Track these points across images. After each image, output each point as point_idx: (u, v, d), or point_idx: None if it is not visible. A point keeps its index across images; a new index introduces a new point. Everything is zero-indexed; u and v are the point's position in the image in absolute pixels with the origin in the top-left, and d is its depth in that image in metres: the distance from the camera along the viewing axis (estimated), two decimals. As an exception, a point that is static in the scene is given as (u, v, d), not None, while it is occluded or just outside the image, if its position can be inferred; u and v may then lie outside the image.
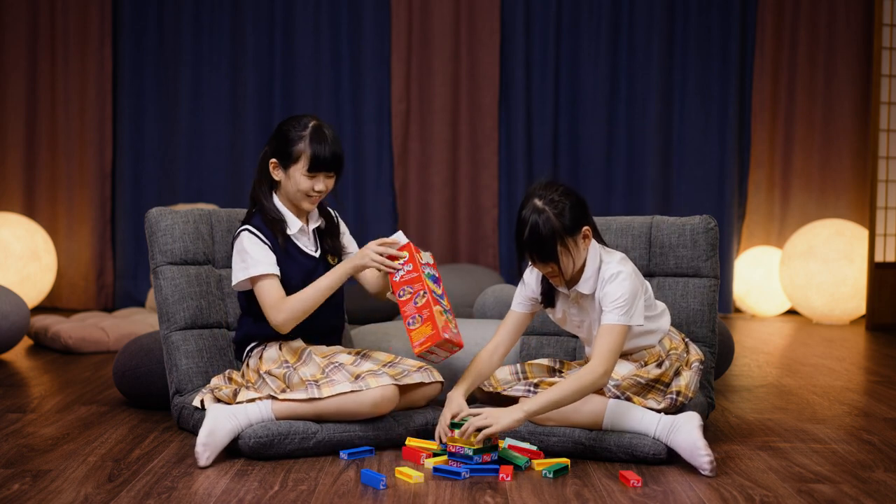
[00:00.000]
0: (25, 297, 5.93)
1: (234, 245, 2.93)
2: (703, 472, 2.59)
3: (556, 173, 6.57)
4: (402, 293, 2.78)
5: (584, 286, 2.77)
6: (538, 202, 2.67)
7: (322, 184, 2.92)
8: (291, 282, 2.91)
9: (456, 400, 2.80)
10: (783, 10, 6.55)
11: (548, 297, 2.87)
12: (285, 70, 6.51)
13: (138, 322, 4.92)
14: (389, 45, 6.53)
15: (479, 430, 2.60)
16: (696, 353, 2.93)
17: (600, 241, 2.82)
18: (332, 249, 3.04)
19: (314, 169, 2.89)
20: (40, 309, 6.29)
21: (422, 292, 2.76)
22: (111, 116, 6.46)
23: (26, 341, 5.01)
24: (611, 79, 6.56)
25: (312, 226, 3.01)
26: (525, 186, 6.47)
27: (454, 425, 2.65)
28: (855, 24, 6.51)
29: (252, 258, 2.87)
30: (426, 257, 2.89)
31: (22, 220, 6.13)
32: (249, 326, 2.97)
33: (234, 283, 2.91)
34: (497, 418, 2.61)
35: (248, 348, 2.98)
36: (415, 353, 2.77)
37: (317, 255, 2.99)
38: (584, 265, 2.75)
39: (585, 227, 2.71)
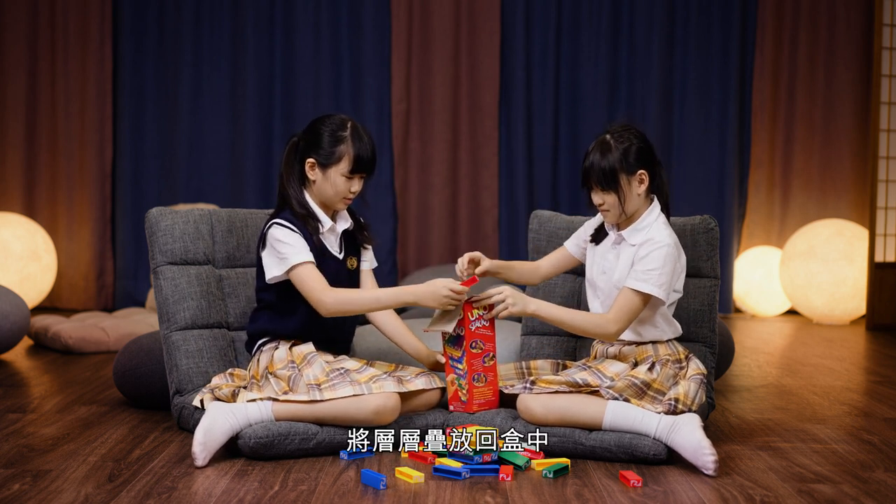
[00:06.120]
0: (25, 297, 5.93)
1: (265, 240, 2.88)
2: (706, 472, 2.59)
3: (556, 173, 6.57)
4: (473, 346, 2.83)
5: (632, 235, 2.83)
6: (607, 136, 2.82)
7: (358, 185, 2.91)
8: None
9: (485, 261, 2.92)
10: (783, 11, 6.55)
11: (598, 235, 2.95)
12: (285, 70, 6.50)
13: (138, 322, 4.92)
14: (389, 45, 6.53)
15: (490, 306, 2.81)
16: (696, 367, 2.86)
17: (661, 199, 2.87)
18: (356, 252, 3.03)
19: (356, 170, 2.87)
20: (40, 309, 6.29)
21: (491, 354, 2.88)
22: (111, 116, 6.45)
23: (26, 341, 5.01)
24: (611, 79, 6.56)
25: (342, 227, 2.98)
26: (525, 186, 6.48)
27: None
28: (855, 24, 6.51)
29: (290, 247, 2.82)
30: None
31: (22, 220, 6.13)
32: (267, 322, 2.94)
33: (268, 277, 2.87)
34: (513, 303, 2.78)
35: (261, 343, 2.95)
36: (471, 410, 2.87)
37: (340, 256, 2.97)
38: (639, 217, 2.84)
39: (641, 172, 2.80)
